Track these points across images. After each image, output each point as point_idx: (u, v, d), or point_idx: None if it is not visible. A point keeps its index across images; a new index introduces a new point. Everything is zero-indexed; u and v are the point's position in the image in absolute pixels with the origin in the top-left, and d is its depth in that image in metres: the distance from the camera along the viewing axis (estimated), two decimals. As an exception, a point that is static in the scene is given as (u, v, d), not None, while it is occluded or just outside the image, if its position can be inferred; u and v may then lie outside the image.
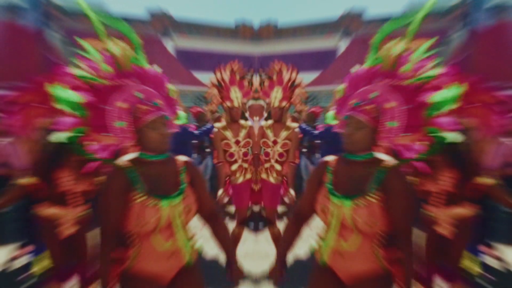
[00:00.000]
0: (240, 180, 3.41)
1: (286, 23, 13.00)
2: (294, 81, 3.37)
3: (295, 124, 3.48)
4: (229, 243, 2.13)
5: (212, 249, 4.03)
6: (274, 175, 3.39)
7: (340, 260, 1.93)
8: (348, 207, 1.83)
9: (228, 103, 3.37)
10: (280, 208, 4.71)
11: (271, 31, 15.46)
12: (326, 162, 1.98)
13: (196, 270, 2.01)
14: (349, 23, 13.45)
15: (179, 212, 1.87)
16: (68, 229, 2.87)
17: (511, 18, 9.41)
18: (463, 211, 2.89)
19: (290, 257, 3.76)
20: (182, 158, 2.00)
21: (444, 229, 2.89)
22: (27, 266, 3.01)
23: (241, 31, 15.55)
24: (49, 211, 2.84)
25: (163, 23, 13.07)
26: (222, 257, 3.90)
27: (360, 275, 1.92)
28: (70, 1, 10.77)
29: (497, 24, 8.73)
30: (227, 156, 3.37)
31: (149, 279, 1.91)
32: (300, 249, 4.10)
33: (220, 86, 3.43)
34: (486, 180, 2.93)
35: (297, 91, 3.42)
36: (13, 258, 4.00)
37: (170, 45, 13.52)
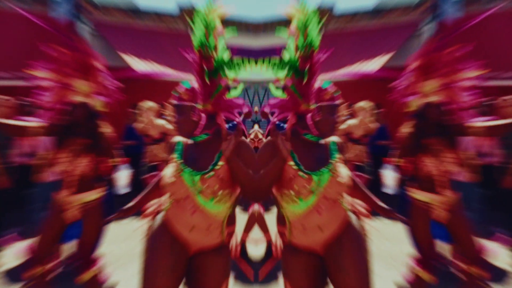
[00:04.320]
0: None
1: (255, 19, 12.73)
2: None
3: None
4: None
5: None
6: None
7: (316, 233, 1.97)
8: (327, 179, 1.97)
9: None
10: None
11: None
12: None
13: (224, 253, 2.05)
14: (320, 17, 12.97)
15: (205, 187, 1.96)
16: (71, 215, 2.73)
17: (478, 11, 9.27)
18: (452, 194, 2.73)
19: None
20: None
21: (441, 215, 2.74)
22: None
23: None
24: (60, 195, 2.73)
25: (192, 17, 13.05)
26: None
27: (333, 237, 2.00)
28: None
29: (465, 16, 8.75)
30: None
31: (177, 242, 1.99)
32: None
33: None
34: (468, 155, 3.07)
35: None
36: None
37: (199, 39, 13.48)
